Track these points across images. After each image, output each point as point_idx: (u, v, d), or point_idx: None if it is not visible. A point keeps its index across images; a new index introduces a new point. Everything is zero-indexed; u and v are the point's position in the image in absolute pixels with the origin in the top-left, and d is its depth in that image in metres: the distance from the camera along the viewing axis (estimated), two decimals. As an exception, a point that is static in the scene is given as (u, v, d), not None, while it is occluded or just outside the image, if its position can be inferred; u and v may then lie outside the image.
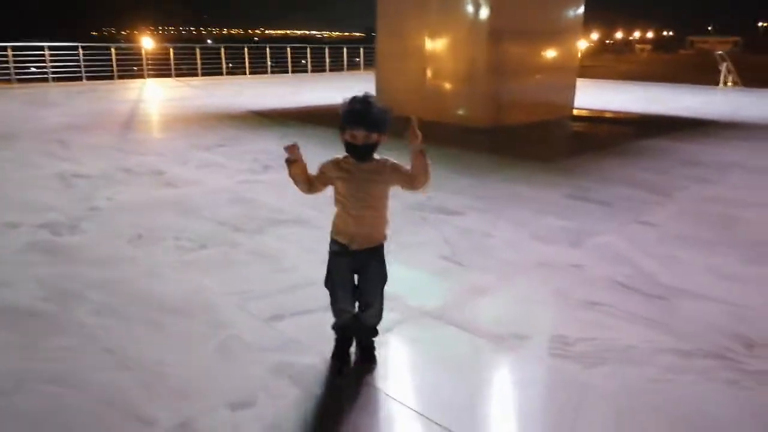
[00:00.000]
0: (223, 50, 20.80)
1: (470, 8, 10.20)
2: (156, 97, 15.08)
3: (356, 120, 2.42)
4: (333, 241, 2.60)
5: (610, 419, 2.41)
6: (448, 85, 10.72)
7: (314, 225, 4.63)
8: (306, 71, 23.02)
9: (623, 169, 7.09)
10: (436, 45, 10.81)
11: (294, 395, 2.53)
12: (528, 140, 9.55)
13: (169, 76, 19.79)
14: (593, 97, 14.94)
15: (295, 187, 2.60)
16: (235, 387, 2.57)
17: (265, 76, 21.61)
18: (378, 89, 11.68)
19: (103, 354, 2.82)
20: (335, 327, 2.77)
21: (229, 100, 13.83)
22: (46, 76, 17.34)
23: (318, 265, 3.86)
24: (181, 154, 7.45)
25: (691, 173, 6.89)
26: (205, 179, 6.24)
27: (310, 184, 2.57)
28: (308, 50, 22.86)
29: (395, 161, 2.55)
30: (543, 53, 11.38)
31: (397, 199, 5.50)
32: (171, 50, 19.97)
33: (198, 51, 20.28)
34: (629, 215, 5.14)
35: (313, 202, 4.92)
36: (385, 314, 2.74)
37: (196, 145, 8.13)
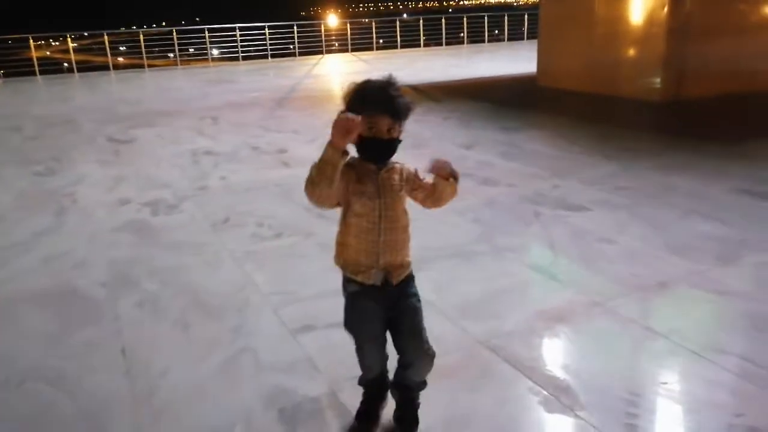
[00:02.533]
0: (398, 23, 20.73)
1: (653, -42, 8.64)
2: (323, 72, 15.44)
3: (379, 104, 1.73)
4: (349, 281, 1.90)
5: None
6: (618, 52, 9.23)
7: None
8: (483, 41, 22.10)
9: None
10: (606, 4, 9.39)
11: (275, 437, 2.10)
12: (712, 117, 7.82)
13: (346, 51, 20.29)
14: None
15: (312, 185, 1.67)
16: (217, 413, 2.21)
17: (440, 48, 21.14)
18: (539, 60, 10.60)
19: (117, 355, 2.64)
20: (362, 383, 2.17)
21: (393, 74, 13.60)
22: (236, 55, 18.77)
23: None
24: (314, 132, 7.33)
25: None
26: (321, 159, 6.01)
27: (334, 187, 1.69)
28: (485, 19, 21.84)
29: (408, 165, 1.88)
30: (747, 9, 9.31)
31: (513, 188, 4.80)
32: (348, 26, 20.40)
33: (373, 25, 20.47)
34: (824, 222, 3.82)
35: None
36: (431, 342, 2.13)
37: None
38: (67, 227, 4.33)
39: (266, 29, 18.76)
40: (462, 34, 21.92)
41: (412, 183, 1.87)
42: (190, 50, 20.70)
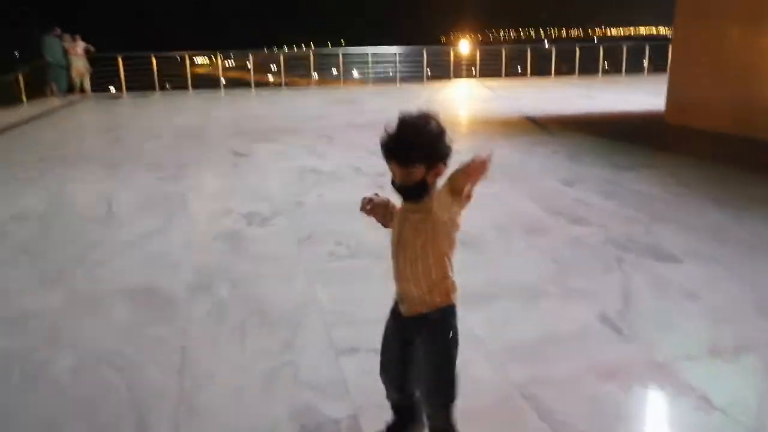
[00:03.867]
0: (529, 51, 20.49)
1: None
2: (443, 98, 15.55)
3: (385, 152, 1.85)
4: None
5: None
6: (759, 88, 8.34)
7: (484, 250, 4.08)
8: (620, 72, 21.14)
9: None
10: (748, 35, 8.58)
11: (292, 452, 2.19)
12: None
13: (474, 77, 20.35)
14: None
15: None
16: (244, 423, 2.35)
17: (572, 78, 20.50)
18: (669, 95, 9.96)
19: (177, 353, 2.88)
20: (388, 401, 2.21)
21: (513, 103, 13.47)
22: (365, 78, 19.56)
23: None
24: (418, 157, 7.43)
25: None
26: (416, 184, 6.09)
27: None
28: (624, 49, 20.90)
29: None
30: None
31: (603, 229, 4.56)
32: (477, 52, 20.49)
33: (503, 52, 20.36)
34: None
35: (506, 223, 4.41)
36: (465, 382, 2.09)
37: (439, 148, 8.06)
38: (171, 231, 4.76)
39: (396, 54, 19.35)
40: (598, 65, 21.11)
41: (450, 205, 1.74)
42: (334, 72, 21.69)
